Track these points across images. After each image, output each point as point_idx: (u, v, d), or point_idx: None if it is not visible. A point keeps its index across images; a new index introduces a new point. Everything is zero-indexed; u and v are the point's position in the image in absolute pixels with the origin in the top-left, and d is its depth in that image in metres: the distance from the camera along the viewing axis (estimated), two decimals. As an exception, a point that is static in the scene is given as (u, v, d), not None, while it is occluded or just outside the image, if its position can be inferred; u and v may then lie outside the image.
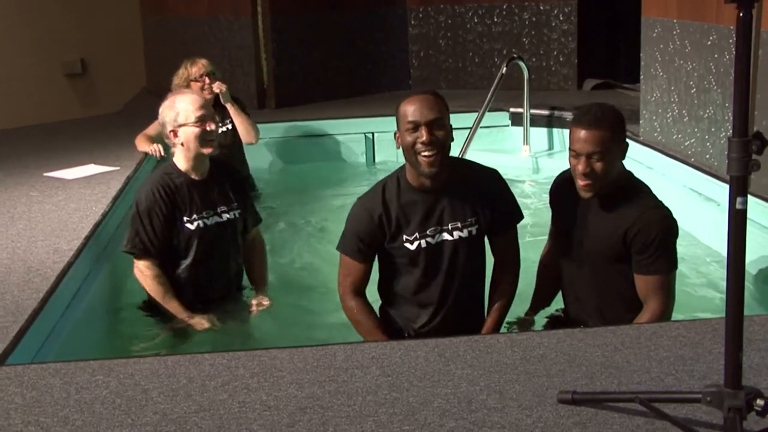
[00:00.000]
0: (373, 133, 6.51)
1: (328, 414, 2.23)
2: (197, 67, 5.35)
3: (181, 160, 3.53)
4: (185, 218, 3.47)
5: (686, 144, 4.95)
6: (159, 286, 3.48)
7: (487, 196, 3.03)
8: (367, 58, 7.79)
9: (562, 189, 3.13)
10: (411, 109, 2.90)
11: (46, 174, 5.14)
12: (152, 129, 5.53)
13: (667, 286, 2.93)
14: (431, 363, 2.52)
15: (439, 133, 2.89)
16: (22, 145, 6.23)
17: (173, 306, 3.48)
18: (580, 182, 2.89)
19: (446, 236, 2.99)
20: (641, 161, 5.26)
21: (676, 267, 2.95)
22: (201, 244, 3.51)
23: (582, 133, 2.85)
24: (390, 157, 6.31)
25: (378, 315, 3.13)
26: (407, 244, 2.99)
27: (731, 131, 1.87)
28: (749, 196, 3.58)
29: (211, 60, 5.53)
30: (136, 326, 3.72)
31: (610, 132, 2.85)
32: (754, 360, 2.46)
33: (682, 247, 4.40)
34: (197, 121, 3.46)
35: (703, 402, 1.99)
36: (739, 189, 1.87)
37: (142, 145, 5.42)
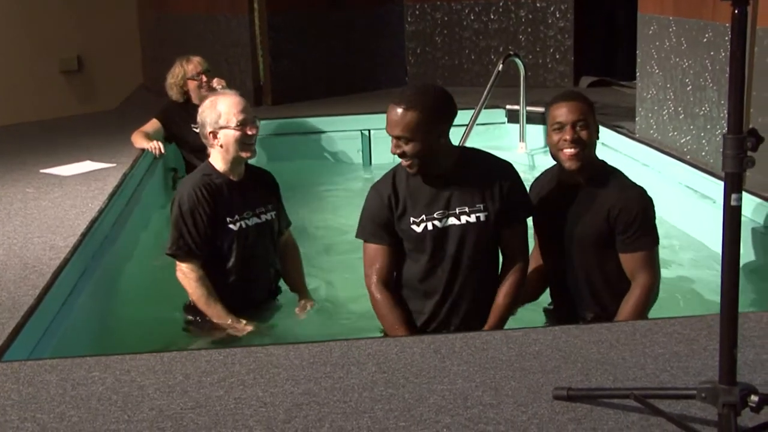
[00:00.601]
0: (369, 130, 6.50)
1: (324, 410, 2.24)
2: (193, 65, 5.38)
3: (218, 162, 3.47)
4: (228, 219, 3.41)
5: (682, 141, 4.96)
6: (202, 288, 3.39)
7: (498, 185, 3.03)
8: (363, 55, 7.79)
9: (544, 186, 3.20)
10: (387, 119, 2.95)
11: (42, 171, 5.13)
12: (149, 126, 5.54)
13: (654, 260, 3.03)
14: (427, 359, 2.53)
15: (407, 147, 2.92)
16: (19, 142, 6.22)
17: (217, 310, 3.38)
18: (568, 152, 2.99)
19: (453, 221, 2.99)
20: (637, 158, 5.28)
21: (658, 241, 3.04)
22: (243, 246, 3.44)
23: (565, 105, 3.03)
24: (386, 154, 6.30)
25: (404, 310, 3.07)
26: (414, 226, 3.00)
27: (726, 128, 1.87)
28: (745, 193, 3.59)
29: (207, 57, 5.56)
30: (133, 324, 3.73)
31: (588, 105, 3.05)
32: (748, 356, 2.47)
33: (678, 244, 4.44)
34: (239, 125, 3.40)
35: (697, 398, 2.00)
36: (734, 186, 1.88)
37: (140, 141, 5.42)
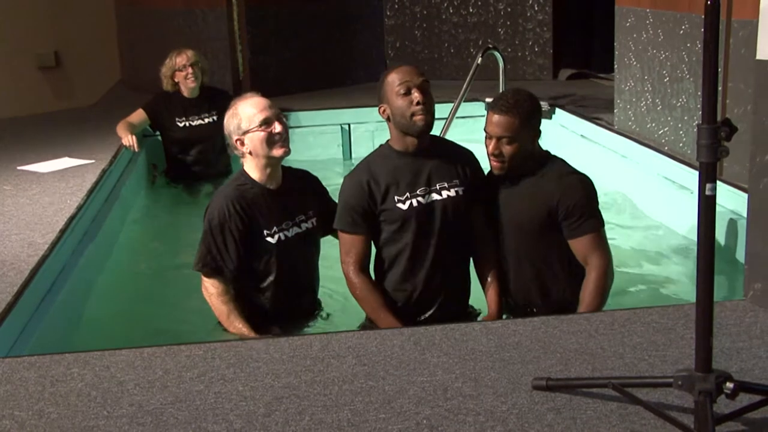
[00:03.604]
0: (349, 125, 6.51)
1: (304, 403, 2.24)
2: (182, 58, 5.51)
3: (252, 170, 3.21)
4: (265, 232, 3.16)
5: (660, 132, 4.99)
6: (223, 305, 3.14)
7: (467, 164, 3.20)
8: (343, 49, 7.78)
9: (491, 175, 3.24)
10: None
11: (20, 167, 5.09)
12: (134, 116, 5.61)
13: (602, 241, 3.08)
14: (407, 351, 2.54)
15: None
16: (-5, 139, 6.17)
17: (237, 327, 3.11)
18: (492, 162, 3.10)
19: (436, 196, 3.11)
20: (616, 150, 5.30)
21: (603, 223, 3.10)
22: (284, 258, 3.21)
23: (494, 118, 3.06)
24: (367, 148, 6.30)
25: (383, 293, 3.15)
26: (400, 205, 3.08)
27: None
28: (722, 184, 3.60)
29: (197, 51, 5.64)
30: (112, 320, 3.71)
31: (520, 119, 3.04)
32: (725, 344, 2.49)
33: (657, 234, 4.47)
34: (262, 124, 3.13)
35: (674, 386, 2.02)
36: (709, 175, 1.90)
37: (121, 132, 5.46)
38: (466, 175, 3.16)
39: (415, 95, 3.02)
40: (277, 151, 3.16)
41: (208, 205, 3.23)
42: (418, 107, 3.02)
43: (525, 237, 3.11)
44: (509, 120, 3.03)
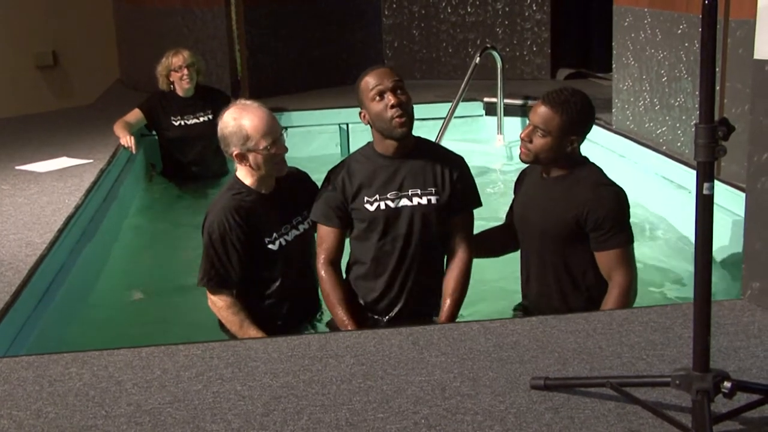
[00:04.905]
0: (347, 124, 6.50)
1: (302, 403, 2.24)
2: (178, 58, 5.53)
3: (245, 176, 3.18)
4: (266, 239, 3.15)
5: (658, 132, 5.00)
6: (234, 316, 3.11)
7: (449, 173, 3.14)
8: (341, 48, 7.78)
9: (524, 173, 3.25)
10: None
11: (17, 167, 5.09)
12: (131, 116, 5.62)
13: (629, 258, 3.02)
14: (405, 351, 2.54)
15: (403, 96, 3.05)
16: (-6, 139, 6.16)
17: (252, 334, 3.08)
18: (520, 147, 3.07)
19: (406, 202, 3.10)
20: (614, 150, 5.31)
21: (633, 239, 3.04)
22: (287, 262, 3.21)
23: (540, 108, 3.02)
24: (365, 147, 6.31)
25: (347, 290, 3.17)
26: (367, 205, 3.10)
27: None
28: (720, 184, 3.60)
29: (193, 51, 5.66)
30: (110, 320, 3.72)
31: (562, 118, 2.98)
32: (722, 343, 2.50)
33: (655, 234, 4.48)
34: (268, 147, 3.10)
35: (672, 385, 2.02)
36: (706, 175, 1.90)
37: (118, 131, 5.46)
38: (445, 184, 3.11)
39: (390, 98, 3.02)
40: (280, 172, 3.19)
41: (206, 217, 3.17)
42: (394, 110, 3.01)
43: (550, 241, 3.05)
44: (551, 115, 2.97)
